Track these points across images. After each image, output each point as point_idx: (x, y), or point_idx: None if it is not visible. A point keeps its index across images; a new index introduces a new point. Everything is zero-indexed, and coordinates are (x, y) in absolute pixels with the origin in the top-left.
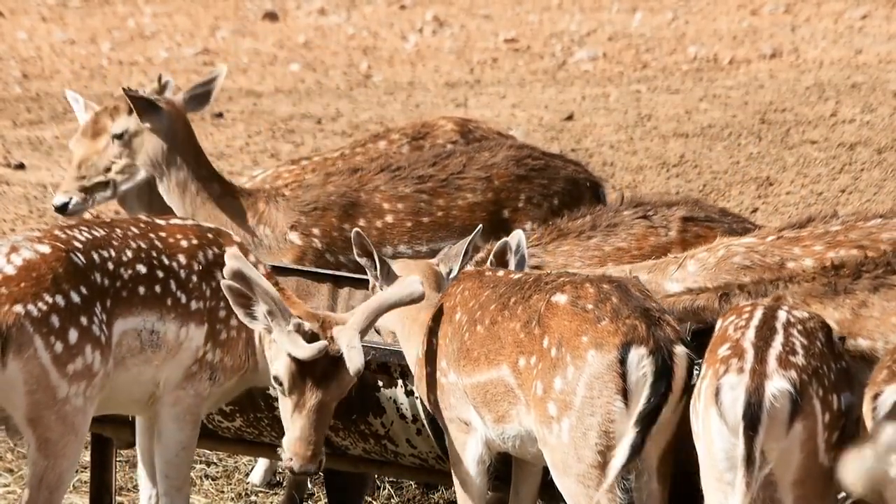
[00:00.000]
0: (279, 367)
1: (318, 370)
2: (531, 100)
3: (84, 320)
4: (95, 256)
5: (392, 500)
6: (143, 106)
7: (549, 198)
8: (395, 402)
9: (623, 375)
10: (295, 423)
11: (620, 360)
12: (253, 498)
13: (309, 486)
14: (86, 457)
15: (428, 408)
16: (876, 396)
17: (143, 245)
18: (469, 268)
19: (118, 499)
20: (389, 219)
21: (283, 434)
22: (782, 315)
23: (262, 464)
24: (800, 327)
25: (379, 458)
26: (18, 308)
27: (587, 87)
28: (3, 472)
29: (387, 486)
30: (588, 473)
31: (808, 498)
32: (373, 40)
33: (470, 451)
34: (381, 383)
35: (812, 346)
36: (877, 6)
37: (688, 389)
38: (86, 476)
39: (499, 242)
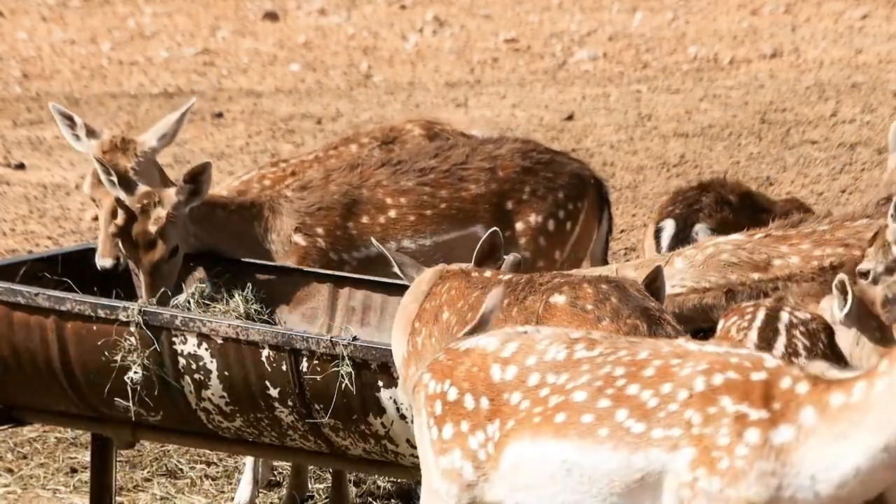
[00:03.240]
0: None
1: None
2: (531, 100)
3: (465, 426)
4: (522, 375)
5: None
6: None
7: (554, 191)
8: (395, 402)
9: None
10: None
11: None
12: None
13: (309, 486)
14: (86, 457)
15: None
16: None
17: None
18: (453, 266)
19: (118, 499)
20: (392, 213)
21: (282, 435)
22: (784, 316)
23: (247, 479)
24: (802, 328)
25: (379, 458)
26: (426, 377)
27: (587, 87)
28: (3, 472)
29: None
30: None
31: None
32: (373, 40)
33: None
34: (381, 383)
35: (814, 347)
36: (877, 6)
37: None
38: (86, 476)
39: (480, 242)
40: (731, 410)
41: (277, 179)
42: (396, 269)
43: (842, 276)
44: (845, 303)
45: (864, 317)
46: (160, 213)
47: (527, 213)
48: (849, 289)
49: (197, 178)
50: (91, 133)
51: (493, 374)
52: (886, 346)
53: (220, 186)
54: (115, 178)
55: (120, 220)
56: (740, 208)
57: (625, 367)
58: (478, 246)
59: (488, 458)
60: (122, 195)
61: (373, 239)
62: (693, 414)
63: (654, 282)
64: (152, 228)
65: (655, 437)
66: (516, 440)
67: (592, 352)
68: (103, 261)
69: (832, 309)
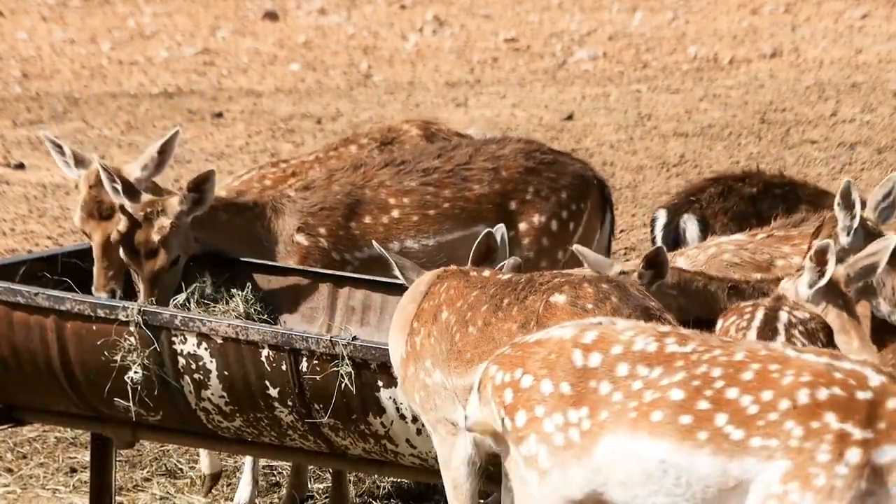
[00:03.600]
0: None
1: None
2: (531, 99)
3: (539, 410)
4: (608, 364)
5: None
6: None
7: (558, 191)
8: (395, 402)
9: None
10: None
11: None
12: None
13: (309, 486)
14: (86, 457)
15: (414, 409)
16: None
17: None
18: (451, 268)
19: (118, 499)
20: (395, 213)
21: (282, 435)
22: (784, 316)
23: (247, 479)
24: (801, 328)
25: (379, 458)
26: (493, 369)
27: (587, 86)
28: (3, 471)
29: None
30: None
31: None
32: (373, 40)
33: (459, 453)
34: (380, 383)
35: (813, 346)
36: (877, 6)
37: None
38: (86, 476)
39: (476, 243)
40: (835, 427)
41: (278, 180)
42: (397, 272)
43: (822, 244)
44: (820, 274)
45: (831, 294)
46: (164, 222)
47: (530, 213)
48: (830, 256)
49: (200, 186)
50: (80, 162)
51: (574, 360)
52: (853, 325)
53: (220, 186)
54: (119, 186)
55: (122, 227)
56: (764, 199)
57: (722, 368)
58: (474, 247)
59: (567, 444)
60: (126, 203)
61: (374, 241)
62: (794, 426)
63: (656, 258)
64: (155, 237)
65: (753, 446)
66: (611, 433)
67: (685, 347)
68: (98, 294)
69: (796, 287)
